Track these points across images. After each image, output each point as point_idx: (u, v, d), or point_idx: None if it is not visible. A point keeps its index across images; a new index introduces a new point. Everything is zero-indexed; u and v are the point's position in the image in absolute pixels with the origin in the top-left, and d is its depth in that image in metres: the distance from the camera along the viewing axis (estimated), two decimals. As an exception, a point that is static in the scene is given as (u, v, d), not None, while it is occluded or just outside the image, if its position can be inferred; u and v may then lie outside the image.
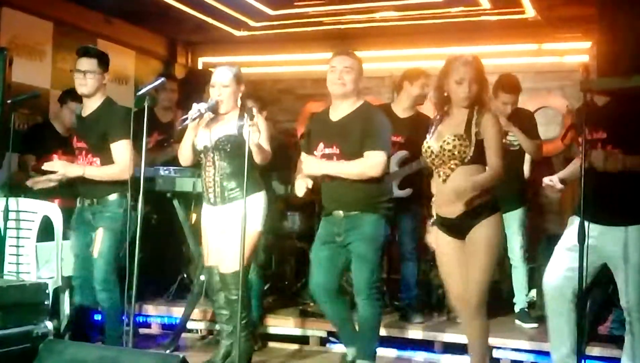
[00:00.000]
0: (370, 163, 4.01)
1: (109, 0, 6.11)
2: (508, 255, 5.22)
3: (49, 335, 3.65)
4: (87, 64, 4.25)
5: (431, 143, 3.68)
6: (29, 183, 4.49)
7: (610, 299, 4.47)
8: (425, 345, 4.88)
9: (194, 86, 6.14)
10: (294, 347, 5.12)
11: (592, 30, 3.83)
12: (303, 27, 6.91)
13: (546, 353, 4.23)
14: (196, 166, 4.37)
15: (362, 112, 4.13)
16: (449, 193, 3.54)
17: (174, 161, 4.69)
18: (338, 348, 4.85)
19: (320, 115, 4.35)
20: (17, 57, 5.59)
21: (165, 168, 4.74)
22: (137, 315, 5.14)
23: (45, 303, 3.78)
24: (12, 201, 4.61)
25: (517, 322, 5.15)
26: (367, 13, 6.55)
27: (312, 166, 4.10)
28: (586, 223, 3.34)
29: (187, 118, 4.07)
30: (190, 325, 5.13)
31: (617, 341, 4.23)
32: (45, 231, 4.72)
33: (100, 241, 4.23)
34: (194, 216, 4.98)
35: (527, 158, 5.35)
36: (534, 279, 5.45)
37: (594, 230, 3.48)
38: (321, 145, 4.12)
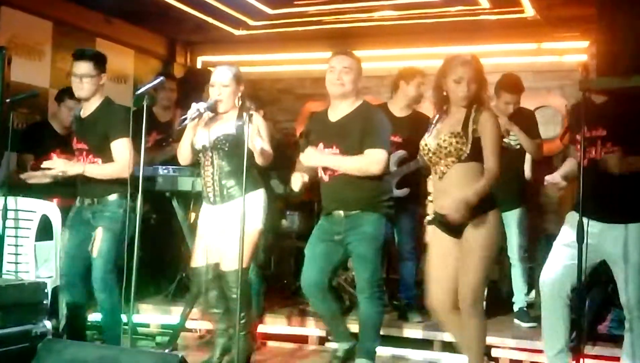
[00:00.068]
0: (371, 160, 4.01)
1: (108, 0, 6.10)
2: (507, 254, 5.23)
3: (47, 335, 3.65)
4: (83, 67, 4.23)
5: (428, 141, 3.69)
6: (23, 176, 4.48)
7: (609, 298, 4.48)
8: (425, 345, 4.88)
9: (193, 85, 6.14)
10: (293, 346, 5.12)
11: (591, 30, 3.84)
12: (302, 27, 6.90)
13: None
14: (195, 165, 4.37)
15: (361, 112, 4.13)
16: (450, 202, 3.50)
17: (173, 161, 4.68)
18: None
19: (319, 115, 4.35)
20: (16, 56, 5.59)
21: (164, 167, 4.74)
22: (136, 315, 5.13)
23: (44, 302, 3.77)
24: (10, 200, 4.60)
25: (516, 321, 5.16)
26: (367, 12, 6.55)
27: (312, 157, 4.09)
28: (585, 220, 3.35)
29: (186, 118, 4.07)
30: (189, 324, 5.13)
31: (616, 340, 4.23)
32: (44, 231, 4.72)
33: (100, 240, 4.22)
34: (192, 216, 4.98)
35: (528, 158, 5.35)
36: (533, 278, 5.46)
37: (593, 227, 3.48)
38: (321, 145, 4.13)
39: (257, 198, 4.16)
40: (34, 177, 4.46)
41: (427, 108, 4.91)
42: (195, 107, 4.07)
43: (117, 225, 4.17)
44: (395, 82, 5.26)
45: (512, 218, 5.10)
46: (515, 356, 4.66)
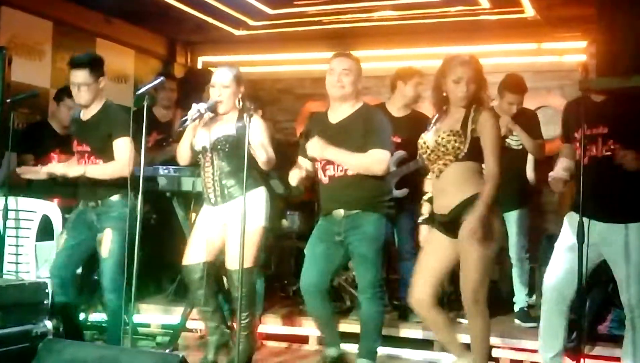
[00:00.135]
0: (375, 160, 4.01)
1: (108, 0, 6.10)
2: (508, 254, 5.23)
3: (48, 335, 3.65)
4: (80, 76, 4.21)
5: (426, 138, 3.69)
6: (19, 170, 4.47)
7: (609, 298, 4.48)
8: (425, 345, 4.88)
9: (193, 85, 6.14)
10: (294, 346, 5.12)
11: (591, 30, 3.84)
12: (302, 27, 6.91)
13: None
14: (195, 165, 4.37)
15: (361, 114, 4.13)
16: (467, 226, 3.51)
17: (173, 161, 4.68)
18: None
19: (319, 116, 4.34)
20: (16, 56, 5.60)
21: (164, 167, 4.74)
22: (137, 315, 5.13)
23: (45, 302, 3.77)
24: (11, 200, 4.61)
25: (517, 321, 5.16)
26: (367, 12, 6.55)
27: (316, 147, 4.05)
28: (585, 220, 3.36)
29: (186, 119, 4.07)
30: (189, 324, 5.13)
31: (616, 340, 4.23)
32: (45, 231, 4.72)
33: (110, 241, 4.23)
34: (193, 216, 4.97)
35: (530, 158, 5.35)
36: (534, 279, 5.46)
37: (594, 226, 3.48)
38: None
39: (259, 196, 4.16)
40: (29, 172, 4.44)
41: (426, 108, 4.91)
42: (195, 108, 4.08)
43: (124, 225, 4.17)
44: (393, 83, 5.26)
45: (513, 218, 5.10)
46: (516, 356, 4.66)
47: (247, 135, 3.80)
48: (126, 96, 6.63)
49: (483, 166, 3.63)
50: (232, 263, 4.08)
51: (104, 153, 4.24)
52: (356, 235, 4.05)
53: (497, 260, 5.29)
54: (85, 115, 4.35)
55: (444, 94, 3.69)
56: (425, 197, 3.87)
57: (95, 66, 4.27)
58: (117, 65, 6.89)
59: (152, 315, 5.45)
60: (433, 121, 3.79)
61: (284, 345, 5.16)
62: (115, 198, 4.25)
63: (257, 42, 7.31)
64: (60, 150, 4.99)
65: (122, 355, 3.39)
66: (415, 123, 4.60)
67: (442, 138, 3.60)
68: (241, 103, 4.22)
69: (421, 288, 3.70)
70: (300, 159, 4.26)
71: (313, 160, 4.18)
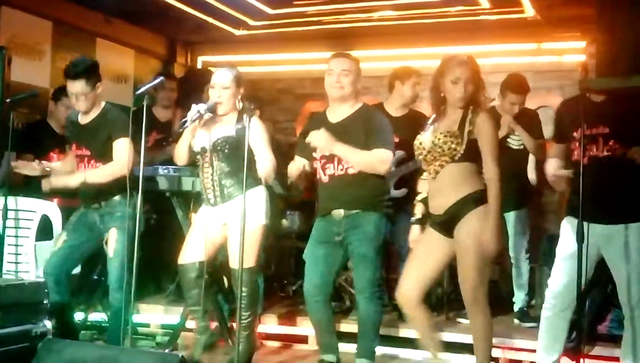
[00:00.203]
0: (379, 159, 4.02)
1: (108, 0, 6.10)
2: (509, 254, 5.23)
3: (47, 334, 3.65)
4: (76, 86, 4.22)
5: (423, 139, 3.69)
6: (13, 163, 4.47)
7: (609, 298, 4.48)
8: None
9: (193, 85, 6.13)
10: (293, 346, 5.12)
11: (591, 30, 3.85)
12: (302, 27, 6.90)
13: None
14: (194, 165, 4.37)
15: (362, 114, 4.13)
16: (485, 236, 3.52)
17: (172, 160, 4.67)
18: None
19: (318, 116, 4.32)
20: (16, 56, 5.59)
21: (164, 167, 4.73)
22: (136, 314, 5.13)
23: (44, 302, 3.77)
24: (11, 200, 4.61)
25: (516, 321, 5.16)
26: (367, 12, 6.55)
27: (323, 140, 3.99)
28: (584, 224, 3.36)
29: (186, 121, 4.06)
30: (189, 324, 5.12)
31: (616, 340, 4.23)
32: (44, 231, 4.72)
33: (115, 241, 4.26)
34: (193, 216, 4.98)
35: (532, 158, 5.35)
36: (534, 279, 5.46)
37: (593, 228, 3.48)
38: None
39: (259, 195, 4.15)
40: (24, 167, 4.44)
41: (425, 108, 4.91)
42: (195, 108, 4.07)
43: (129, 224, 4.18)
44: (391, 83, 5.26)
45: (513, 219, 5.10)
46: (515, 356, 4.66)
47: (247, 136, 3.80)
48: (126, 96, 6.63)
49: (480, 167, 3.62)
50: (235, 262, 4.07)
51: (104, 156, 4.26)
52: (356, 234, 4.04)
53: (497, 260, 5.30)
54: (84, 119, 4.36)
55: (442, 95, 3.68)
56: (419, 197, 3.86)
57: (92, 74, 4.26)
58: (117, 65, 6.88)
59: (152, 315, 5.45)
60: (430, 121, 3.78)
61: (283, 344, 5.15)
62: (118, 198, 4.26)
63: (257, 42, 7.31)
64: (60, 150, 4.99)
65: (122, 355, 3.39)
66: (414, 123, 4.60)
67: (439, 139, 3.59)
68: (241, 104, 4.22)
69: (410, 285, 3.70)
70: (298, 159, 4.24)
71: (312, 159, 4.17)
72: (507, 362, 4.69)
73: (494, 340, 4.52)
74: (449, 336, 4.79)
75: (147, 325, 5.44)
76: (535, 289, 5.50)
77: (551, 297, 3.77)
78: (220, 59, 7.33)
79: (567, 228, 3.74)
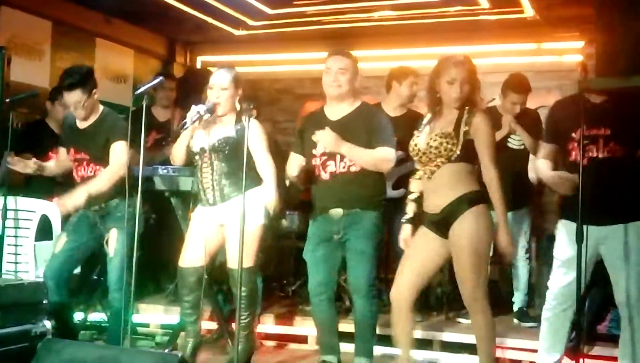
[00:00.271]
0: (384, 157, 4.02)
1: (108, 0, 6.10)
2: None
3: (47, 334, 3.65)
4: (73, 97, 4.24)
5: (418, 140, 3.68)
6: (9, 159, 4.46)
7: (609, 298, 4.46)
8: (425, 345, 4.87)
9: (192, 85, 6.13)
10: (293, 346, 5.12)
11: (590, 30, 3.85)
12: (302, 27, 6.90)
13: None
14: (190, 166, 4.36)
15: (362, 112, 4.13)
16: (500, 240, 3.57)
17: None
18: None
19: (316, 115, 4.28)
20: (15, 56, 5.59)
21: (163, 167, 4.74)
22: (136, 314, 5.14)
23: (44, 302, 3.77)
24: (10, 200, 4.61)
25: (516, 321, 5.16)
26: (366, 12, 6.55)
27: (329, 140, 3.97)
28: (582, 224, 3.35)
29: (187, 122, 4.06)
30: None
31: (616, 340, 4.21)
32: (44, 231, 4.72)
33: (116, 241, 4.27)
34: (192, 215, 4.97)
35: (532, 159, 5.33)
36: (534, 279, 5.46)
37: (591, 230, 3.47)
38: (321, 145, 4.08)
39: (257, 195, 4.13)
40: (19, 164, 4.44)
41: (424, 107, 4.90)
42: (195, 109, 4.07)
43: (130, 224, 4.18)
44: (388, 83, 5.26)
45: (515, 219, 5.10)
46: (515, 356, 4.66)
47: (247, 136, 3.80)
48: (125, 96, 6.63)
49: (475, 167, 3.62)
50: (233, 262, 4.06)
51: (103, 159, 4.28)
52: (355, 231, 4.03)
53: (497, 260, 5.30)
54: (83, 124, 4.38)
55: (438, 95, 3.67)
56: (411, 197, 3.85)
57: (86, 82, 4.27)
58: (117, 65, 6.89)
59: (152, 315, 5.45)
60: (425, 122, 3.77)
61: (282, 344, 5.15)
62: (117, 198, 4.27)
63: (256, 42, 7.31)
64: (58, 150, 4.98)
65: (122, 355, 3.39)
66: (412, 122, 4.56)
67: (435, 140, 3.59)
68: (239, 105, 4.21)
69: (405, 286, 3.68)
70: (293, 156, 4.22)
71: (311, 156, 4.14)
72: (507, 362, 4.69)
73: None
74: (449, 336, 4.80)
75: (147, 325, 5.44)
76: (535, 289, 5.50)
77: (551, 298, 3.77)
78: (219, 59, 7.33)
79: (563, 230, 3.73)
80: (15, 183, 4.74)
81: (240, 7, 6.58)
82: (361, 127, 4.05)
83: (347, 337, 4.52)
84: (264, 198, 4.11)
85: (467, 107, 3.61)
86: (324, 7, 6.49)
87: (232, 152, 4.08)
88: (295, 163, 4.08)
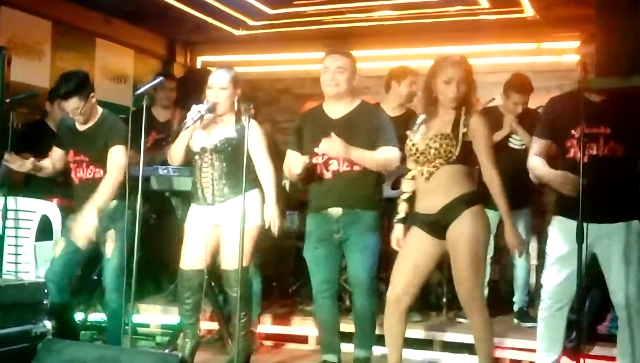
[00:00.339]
0: (390, 157, 4.02)
1: (108, 0, 6.10)
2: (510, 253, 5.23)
3: (47, 335, 3.65)
4: (71, 104, 4.26)
5: (416, 141, 3.67)
6: (7, 156, 4.46)
7: (609, 298, 4.47)
8: (425, 345, 4.88)
9: (192, 85, 6.13)
10: (293, 346, 5.12)
11: (590, 30, 3.84)
12: (302, 27, 6.91)
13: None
14: (189, 165, 4.36)
15: (363, 111, 4.12)
16: (509, 241, 3.59)
17: (171, 161, 4.68)
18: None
19: (315, 113, 4.27)
20: (15, 56, 5.60)
21: (163, 167, 4.73)
22: (136, 315, 5.14)
23: (44, 302, 3.78)
24: (10, 200, 4.61)
25: (516, 320, 5.16)
26: (366, 12, 6.55)
27: (337, 147, 3.95)
28: (572, 222, 3.35)
29: (187, 122, 4.06)
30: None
31: (615, 340, 4.23)
32: (44, 231, 4.72)
33: (114, 241, 4.28)
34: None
35: None
36: (534, 278, 5.46)
37: (591, 229, 3.47)
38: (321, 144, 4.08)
39: (254, 196, 4.13)
40: (15, 161, 4.44)
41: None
42: (195, 109, 4.06)
43: (128, 226, 4.18)
44: (387, 83, 5.26)
45: (516, 219, 5.08)
46: (515, 356, 4.66)
47: (246, 137, 3.80)
48: (125, 96, 6.64)
49: (473, 168, 3.62)
50: (228, 264, 4.07)
51: (102, 161, 4.30)
52: (355, 228, 4.03)
53: (497, 260, 5.30)
54: (82, 126, 4.40)
55: (434, 95, 3.67)
56: (403, 197, 3.84)
57: (82, 88, 4.28)
58: (117, 65, 6.89)
59: (152, 315, 5.45)
60: (419, 121, 3.75)
61: (282, 344, 5.15)
62: (116, 200, 4.27)
63: (256, 42, 7.31)
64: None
65: (122, 355, 3.40)
66: (411, 122, 4.59)
67: (434, 141, 3.58)
68: (238, 106, 4.21)
69: (403, 287, 3.66)
70: (290, 153, 4.21)
71: (312, 154, 4.11)
72: (507, 362, 4.69)
73: (495, 340, 4.53)
74: (449, 336, 4.80)
75: (147, 325, 5.44)
76: (536, 289, 5.49)
77: (546, 297, 3.76)
78: (219, 59, 7.33)
79: (557, 227, 3.73)
80: (16, 183, 4.74)
81: (240, 7, 6.58)
82: (363, 126, 4.04)
83: (347, 337, 4.52)
84: (261, 200, 4.12)
85: (464, 108, 3.61)
86: (323, 7, 6.50)
87: (234, 152, 4.08)
88: (298, 161, 4.02)
